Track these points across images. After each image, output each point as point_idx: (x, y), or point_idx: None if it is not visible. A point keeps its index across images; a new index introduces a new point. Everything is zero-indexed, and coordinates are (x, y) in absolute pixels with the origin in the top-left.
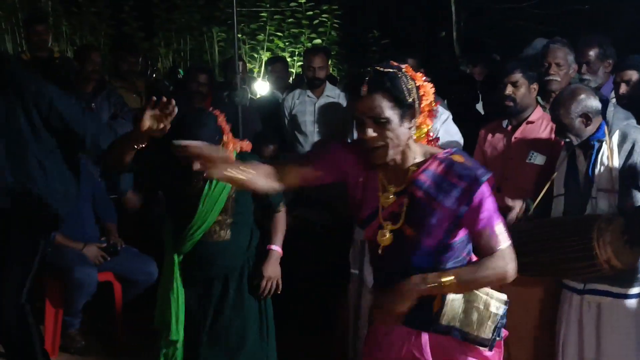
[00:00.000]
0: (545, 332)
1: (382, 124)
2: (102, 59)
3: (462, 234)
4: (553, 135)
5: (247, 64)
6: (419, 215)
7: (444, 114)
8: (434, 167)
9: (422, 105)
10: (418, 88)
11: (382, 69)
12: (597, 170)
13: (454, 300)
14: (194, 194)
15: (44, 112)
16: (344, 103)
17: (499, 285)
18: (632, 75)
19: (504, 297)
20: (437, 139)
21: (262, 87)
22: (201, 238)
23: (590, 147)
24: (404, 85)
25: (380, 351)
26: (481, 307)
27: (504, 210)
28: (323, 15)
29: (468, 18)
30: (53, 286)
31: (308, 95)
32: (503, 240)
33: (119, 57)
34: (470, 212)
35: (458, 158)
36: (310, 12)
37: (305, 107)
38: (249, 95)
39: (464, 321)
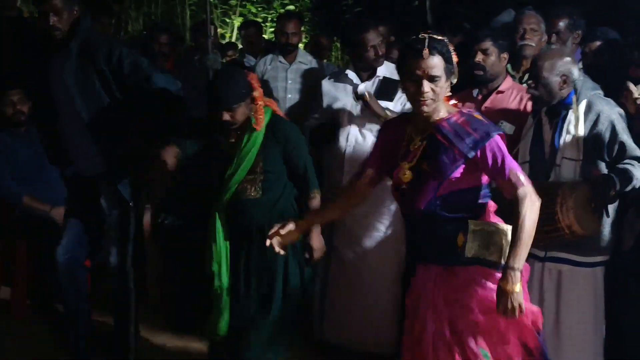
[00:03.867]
0: None
1: (435, 81)
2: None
3: (469, 183)
4: (522, 106)
5: (219, 29)
6: (434, 153)
7: None
8: (456, 118)
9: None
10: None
11: (435, 36)
12: (562, 138)
13: (475, 234)
14: (231, 152)
15: (119, 70)
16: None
17: None
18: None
19: None
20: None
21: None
22: (236, 195)
23: (556, 115)
24: (450, 51)
25: (422, 295)
26: (501, 237)
27: None
28: None
29: None
30: (21, 248)
31: (280, 61)
32: (522, 181)
33: (92, 18)
34: (482, 159)
35: (478, 116)
36: None
37: (277, 73)
38: (220, 59)
39: (487, 251)
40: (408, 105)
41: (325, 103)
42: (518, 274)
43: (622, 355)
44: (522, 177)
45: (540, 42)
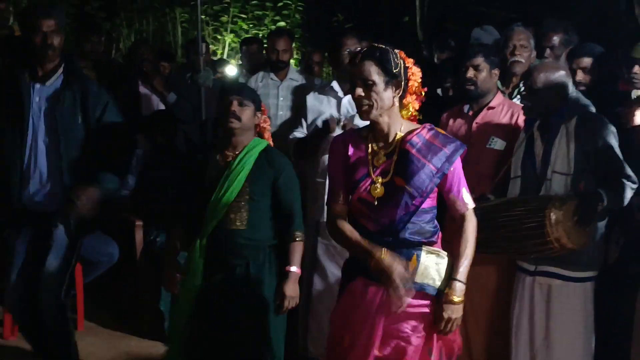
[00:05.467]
0: (501, 313)
1: (369, 86)
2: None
3: (430, 203)
4: (513, 121)
5: (211, 46)
6: (409, 168)
7: None
8: (424, 133)
9: (409, 85)
10: (406, 68)
11: (376, 44)
12: (553, 153)
13: (427, 260)
14: (215, 176)
15: (97, 114)
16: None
17: None
18: (589, 62)
19: None
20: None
21: (231, 70)
22: (220, 225)
23: (548, 130)
24: (391, 59)
25: (359, 308)
26: (448, 267)
27: None
28: None
29: (431, 3)
30: None
31: (272, 78)
32: (471, 202)
33: (82, 37)
34: (449, 173)
35: (441, 131)
36: None
37: (268, 90)
38: (212, 76)
39: (434, 278)
40: None
41: (310, 118)
42: (463, 287)
43: None
44: (471, 199)
45: (529, 58)
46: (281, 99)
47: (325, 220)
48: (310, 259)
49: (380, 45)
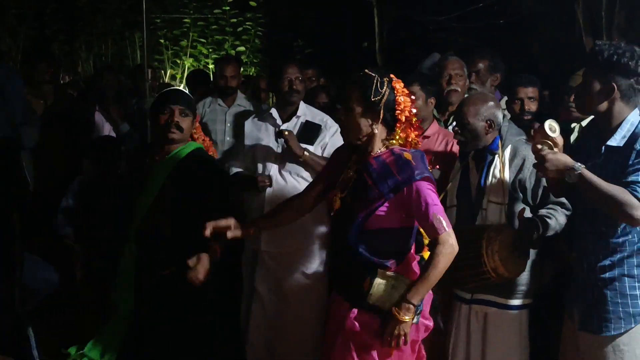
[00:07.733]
0: (440, 341)
1: (348, 111)
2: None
3: (389, 224)
4: (448, 150)
5: (170, 70)
6: (358, 189)
7: (333, 127)
8: (385, 156)
9: (397, 114)
10: (393, 99)
11: (368, 71)
12: (488, 182)
13: (380, 284)
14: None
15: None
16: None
17: None
18: (533, 92)
19: None
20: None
21: None
22: (146, 229)
23: (483, 159)
24: (374, 87)
25: (333, 319)
26: (403, 292)
27: None
28: (247, 23)
29: (391, 29)
30: None
31: (219, 104)
32: (444, 227)
33: (32, 64)
34: (408, 200)
35: (408, 156)
36: (234, 20)
37: (216, 116)
38: None
39: (387, 303)
40: (328, 150)
41: (247, 143)
42: (412, 308)
43: None
44: (445, 223)
45: (465, 86)
46: (228, 125)
47: (263, 249)
48: (249, 288)
49: (368, 72)
